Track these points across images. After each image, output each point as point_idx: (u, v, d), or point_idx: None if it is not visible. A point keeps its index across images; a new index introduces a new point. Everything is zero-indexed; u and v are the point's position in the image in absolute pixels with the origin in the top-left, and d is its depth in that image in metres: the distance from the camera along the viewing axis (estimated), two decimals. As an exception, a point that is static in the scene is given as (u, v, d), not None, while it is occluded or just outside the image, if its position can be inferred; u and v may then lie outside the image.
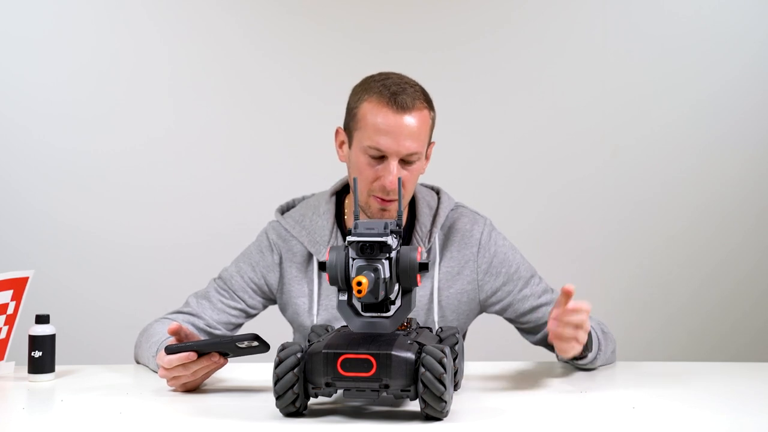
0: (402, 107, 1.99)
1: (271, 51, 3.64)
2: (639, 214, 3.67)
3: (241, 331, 2.17)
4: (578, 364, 2.03)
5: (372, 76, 2.06)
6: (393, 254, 1.61)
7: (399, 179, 1.74)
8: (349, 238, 1.60)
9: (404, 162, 2.01)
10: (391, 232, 1.61)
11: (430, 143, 2.09)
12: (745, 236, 3.67)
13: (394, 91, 2.00)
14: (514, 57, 3.67)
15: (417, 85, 2.05)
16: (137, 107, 3.59)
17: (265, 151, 3.63)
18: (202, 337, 2.09)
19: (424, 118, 2.02)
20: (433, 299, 2.12)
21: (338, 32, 3.64)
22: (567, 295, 1.84)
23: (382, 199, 2.02)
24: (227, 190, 3.61)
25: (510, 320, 2.20)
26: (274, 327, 2.29)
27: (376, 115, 1.99)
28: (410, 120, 1.99)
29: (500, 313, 2.18)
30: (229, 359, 1.83)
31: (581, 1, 3.68)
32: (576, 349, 1.88)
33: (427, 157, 2.11)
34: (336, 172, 2.23)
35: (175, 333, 1.84)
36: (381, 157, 2.01)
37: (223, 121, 3.63)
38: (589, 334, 1.96)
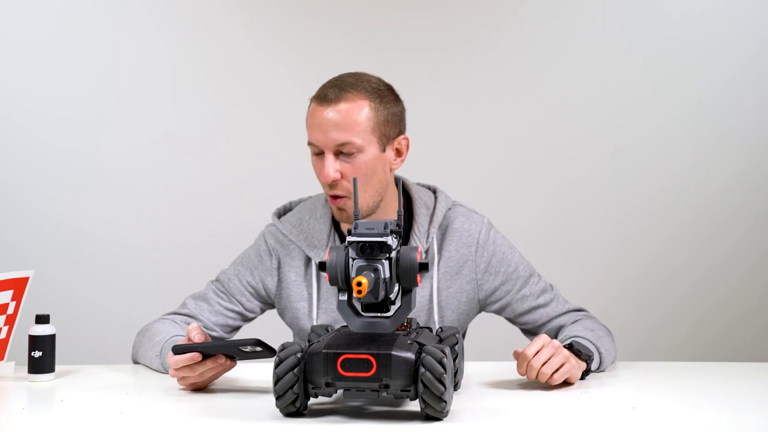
0: (325, 100, 2.01)
1: (271, 51, 3.63)
2: (639, 213, 3.67)
3: (240, 334, 2.17)
4: (590, 374, 1.99)
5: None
6: (393, 254, 1.61)
7: (399, 180, 1.74)
8: (349, 238, 1.60)
9: (343, 155, 2.02)
10: (391, 232, 1.61)
11: (393, 137, 2.06)
12: (745, 236, 3.66)
13: (326, 86, 2.04)
14: (514, 57, 3.66)
15: (369, 80, 2.05)
16: (137, 108, 3.59)
17: (265, 152, 3.63)
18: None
19: (356, 107, 2.01)
20: (432, 299, 2.12)
21: (338, 32, 3.64)
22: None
23: (332, 196, 2.04)
24: (227, 190, 3.61)
25: (510, 320, 2.20)
26: (274, 329, 2.29)
27: (310, 112, 2.05)
28: (334, 111, 2.01)
29: (499, 312, 2.18)
30: (237, 362, 1.84)
31: (581, 1, 3.68)
32: (569, 373, 1.86)
33: (398, 152, 2.09)
34: (336, 173, 2.22)
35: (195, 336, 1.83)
36: (320, 153, 2.04)
37: (224, 121, 3.63)
38: (578, 347, 1.93)
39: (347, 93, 2.01)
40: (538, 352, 1.84)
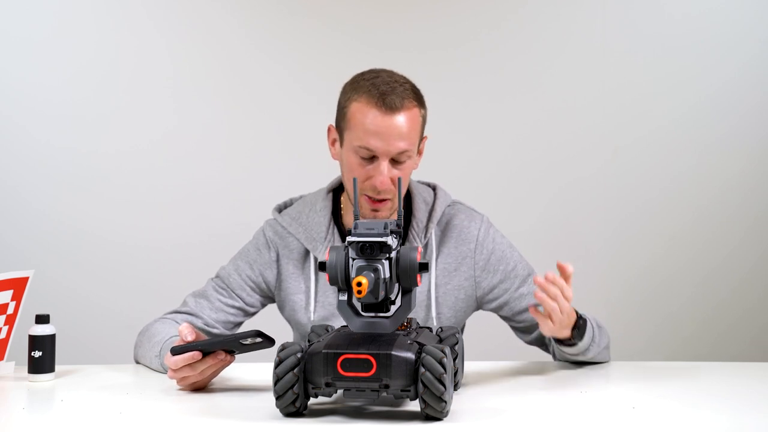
0: (391, 108, 1.99)
1: (271, 51, 3.63)
2: (640, 214, 3.67)
3: (241, 330, 2.17)
4: (570, 352, 2.01)
5: (362, 74, 2.07)
6: (393, 254, 1.61)
7: (399, 180, 1.75)
8: (349, 238, 1.60)
9: (395, 161, 2.02)
10: (391, 232, 1.61)
11: (421, 139, 2.10)
12: (745, 236, 3.66)
13: (383, 90, 2.00)
14: (514, 57, 3.66)
15: (407, 82, 2.05)
16: (137, 108, 3.59)
17: (265, 151, 3.63)
18: (204, 337, 2.09)
19: (413, 116, 2.02)
20: (430, 295, 2.12)
21: (338, 32, 3.64)
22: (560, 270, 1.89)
23: (373, 200, 2.03)
24: (227, 190, 3.61)
25: (505, 318, 2.20)
26: (274, 325, 2.29)
27: (365, 115, 2.00)
28: (399, 120, 2.00)
29: (496, 310, 2.18)
30: (236, 356, 1.84)
31: (581, 1, 3.68)
32: (561, 324, 1.88)
33: (419, 152, 2.11)
34: (335, 172, 2.23)
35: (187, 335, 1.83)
36: (371, 158, 2.02)
37: (224, 121, 3.63)
38: (586, 322, 1.97)
39: (406, 100, 2.01)
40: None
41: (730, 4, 3.67)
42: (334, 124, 2.11)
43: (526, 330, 2.18)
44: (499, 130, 3.67)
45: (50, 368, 1.97)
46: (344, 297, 1.64)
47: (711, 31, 3.65)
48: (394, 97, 2.00)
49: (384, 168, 2.00)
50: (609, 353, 2.14)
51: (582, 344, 1.99)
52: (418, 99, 2.05)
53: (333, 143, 2.11)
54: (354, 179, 1.75)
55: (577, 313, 1.96)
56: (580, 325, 1.96)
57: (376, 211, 2.04)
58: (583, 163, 3.66)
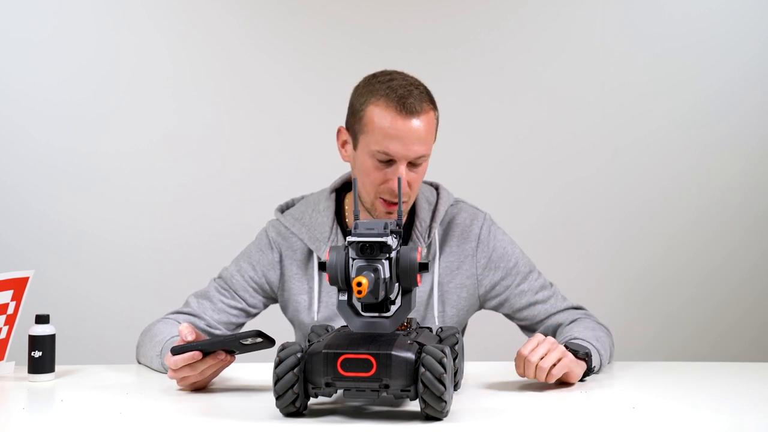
0: (411, 112, 1.98)
1: (271, 51, 3.64)
2: (640, 214, 3.67)
3: (242, 330, 2.17)
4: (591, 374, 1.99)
5: (375, 76, 2.06)
6: (393, 254, 1.61)
7: (399, 179, 1.75)
8: (349, 239, 1.60)
9: (411, 164, 2.02)
10: (391, 232, 1.61)
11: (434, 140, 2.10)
12: (745, 236, 3.66)
13: (401, 94, 1.99)
14: (514, 57, 3.66)
15: (421, 85, 2.05)
16: (137, 108, 3.59)
17: (265, 151, 3.63)
18: (204, 337, 2.09)
19: (430, 119, 2.02)
20: (432, 294, 2.13)
21: (338, 32, 3.64)
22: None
23: (389, 202, 2.03)
24: (227, 190, 3.61)
25: (508, 316, 2.20)
26: (275, 326, 2.29)
27: (383, 119, 1.99)
28: (418, 124, 1.99)
29: (497, 308, 2.18)
30: (236, 356, 1.84)
31: (581, 1, 3.68)
32: (567, 367, 1.84)
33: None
34: (336, 172, 2.23)
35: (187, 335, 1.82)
36: (388, 161, 2.01)
37: (224, 121, 3.63)
38: (590, 356, 1.92)
39: (424, 104, 2.01)
40: (534, 350, 1.84)
41: (730, 4, 3.67)
42: (344, 126, 2.10)
43: (530, 328, 2.18)
44: (499, 130, 3.67)
45: (50, 368, 1.97)
46: (344, 297, 1.64)
47: (711, 31, 3.65)
48: (413, 100, 1.99)
49: (402, 172, 2.00)
50: (614, 348, 2.12)
51: (595, 370, 1.96)
52: (433, 102, 2.05)
53: (343, 145, 2.10)
54: (354, 179, 1.75)
55: (572, 350, 1.88)
56: (581, 356, 1.89)
57: (390, 213, 2.04)
58: (583, 163, 3.66)
